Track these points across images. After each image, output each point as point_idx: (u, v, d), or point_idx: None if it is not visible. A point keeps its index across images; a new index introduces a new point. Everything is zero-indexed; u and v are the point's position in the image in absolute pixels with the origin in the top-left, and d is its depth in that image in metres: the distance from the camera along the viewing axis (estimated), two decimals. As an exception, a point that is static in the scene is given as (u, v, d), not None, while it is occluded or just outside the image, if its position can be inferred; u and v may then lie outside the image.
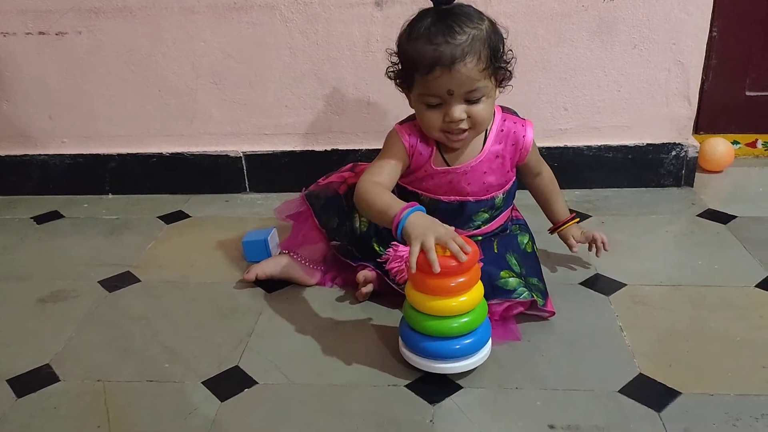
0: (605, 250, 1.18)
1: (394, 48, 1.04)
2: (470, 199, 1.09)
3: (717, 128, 1.64)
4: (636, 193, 1.51)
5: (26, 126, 1.59)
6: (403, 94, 1.07)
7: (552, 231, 1.23)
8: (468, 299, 0.91)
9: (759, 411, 0.86)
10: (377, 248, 1.13)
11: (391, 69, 1.05)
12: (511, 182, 1.13)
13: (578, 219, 1.23)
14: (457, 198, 1.09)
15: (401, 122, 1.10)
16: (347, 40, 1.45)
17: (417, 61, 0.97)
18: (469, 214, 1.11)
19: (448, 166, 1.08)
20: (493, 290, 1.02)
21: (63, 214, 1.54)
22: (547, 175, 1.19)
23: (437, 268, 0.86)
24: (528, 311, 1.06)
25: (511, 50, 1.03)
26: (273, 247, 1.27)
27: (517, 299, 1.03)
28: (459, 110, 0.98)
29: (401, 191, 1.13)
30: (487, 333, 0.95)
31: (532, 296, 1.03)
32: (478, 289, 0.93)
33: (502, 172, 1.10)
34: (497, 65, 1.00)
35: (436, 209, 1.10)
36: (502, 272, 1.05)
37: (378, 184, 1.02)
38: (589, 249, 1.20)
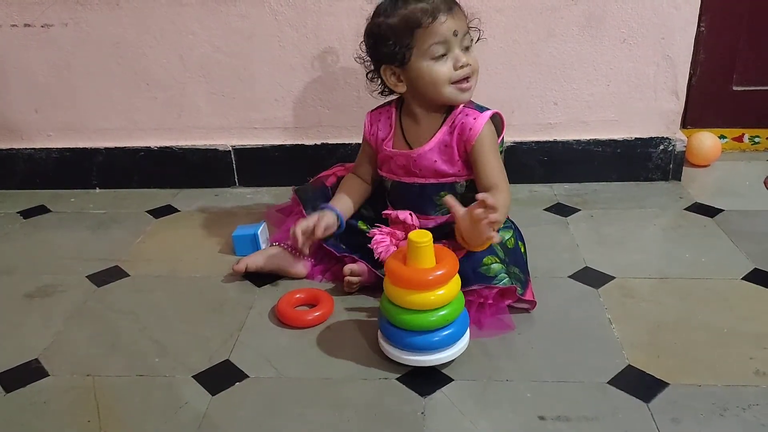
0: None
1: (364, 47, 1.11)
2: (428, 181, 1.13)
3: (704, 123, 1.66)
4: (624, 187, 1.52)
5: (12, 119, 1.57)
6: (379, 89, 1.14)
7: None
8: (446, 293, 0.91)
9: (746, 401, 0.87)
10: (363, 226, 1.18)
11: (369, 60, 1.12)
12: (470, 173, 1.12)
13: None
14: (416, 180, 1.14)
15: (373, 109, 1.19)
16: (337, 33, 1.45)
17: (414, 19, 1.04)
18: (430, 195, 1.13)
19: (410, 149, 1.12)
20: (475, 276, 1.03)
21: (50, 209, 1.52)
22: (499, 192, 1.05)
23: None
24: (515, 304, 1.06)
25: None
26: (263, 241, 1.27)
27: (497, 285, 1.03)
28: (464, 55, 1.06)
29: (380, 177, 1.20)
30: (464, 326, 0.96)
31: (512, 284, 1.03)
32: (455, 282, 0.93)
33: (453, 161, 1.11)
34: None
35: (399, 191, 1.16)
36: (485, 258, 1.04)
37: (352, 177, 1.22)
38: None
